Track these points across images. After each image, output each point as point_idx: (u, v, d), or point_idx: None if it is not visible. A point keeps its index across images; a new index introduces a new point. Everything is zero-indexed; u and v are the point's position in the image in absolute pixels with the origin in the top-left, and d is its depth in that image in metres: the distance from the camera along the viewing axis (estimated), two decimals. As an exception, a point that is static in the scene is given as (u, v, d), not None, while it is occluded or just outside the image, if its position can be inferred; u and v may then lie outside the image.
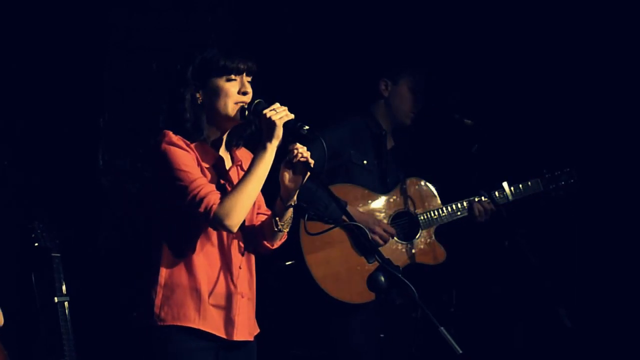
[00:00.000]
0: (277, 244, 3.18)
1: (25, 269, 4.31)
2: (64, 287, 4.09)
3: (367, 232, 3.78)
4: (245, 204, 2.93)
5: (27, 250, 4.14)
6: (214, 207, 2.90)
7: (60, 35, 4.58)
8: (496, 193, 4.30)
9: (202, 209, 2.90)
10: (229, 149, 3.16)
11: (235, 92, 3.03)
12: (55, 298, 4.07)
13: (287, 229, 3.12)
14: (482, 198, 4.28)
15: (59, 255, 4.12)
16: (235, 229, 2.95)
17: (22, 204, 4.42)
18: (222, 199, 2.92)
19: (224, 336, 3.04)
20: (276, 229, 3.08)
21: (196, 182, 2.93)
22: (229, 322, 3.06)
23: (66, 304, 4.08)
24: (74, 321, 4.09)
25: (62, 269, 4.11)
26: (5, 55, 4.48)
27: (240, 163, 3.15)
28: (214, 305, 3.03)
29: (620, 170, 4.65)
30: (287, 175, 3.01)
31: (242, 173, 3.10)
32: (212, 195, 2.92)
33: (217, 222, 2.91)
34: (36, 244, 4.09)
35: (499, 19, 4.82)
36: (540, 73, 4.82)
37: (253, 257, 3.18)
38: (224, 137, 3.13)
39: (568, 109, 4.77)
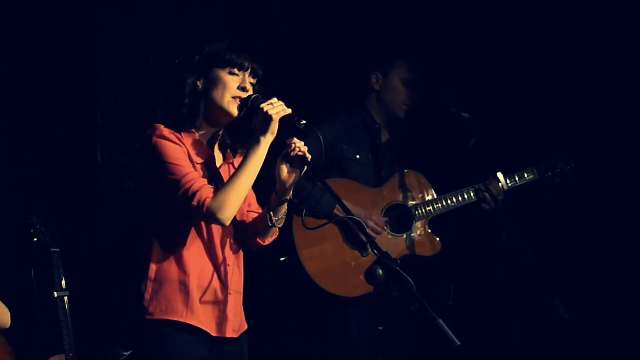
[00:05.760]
0: (269, 240, 3.20)
1: (25, 264, 4.32)
2: (63, 282, 4.11)
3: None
4: (238, 198, 2.95)
5: (27, 246, 4.15)
6: (207, 200, 2.91)
7: (55, 33, 4.60)
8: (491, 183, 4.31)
9: (195, 203, 2.91)
10: (223, 147, 3.17)
11: (235, 87, 3.05)
12: (55, 293, 4.08)
13: (282, 225, 3.14)
14: (480, 187, 4.29)
15: (58, 250, 4.13)
16: (228, 223, 2.96)
17: (22, 200, 4.43)
18: (214, 192, 2.93)
19: (212, 332, 3.06)
20: (271, 225, 3.10)
21: (188, 177, 2.94)
22: (217, 319, 3.08)
23: (66, 298, 4.09)
24: (74, 316, 4.10)
25: (61, 264, 4.12)
26: (2, 56, 4.49)
27: (232, 161, 3.16)
28: (202, 302, 3.04)
29: (616, 161, 4.66)
30: (284, 170, 3.02)
31: (225, 168, 3.13)
32: (205, 190, 2.93)
33: (210, 216, 2.93)
34: (35, 239, 4.10)
35: (491, 10, 4.82)
36: (535, 63, 4.82)
37: (242, 254, 3.19)
38: (219, 134, 3.14)
39: (563, 101, 4.78)
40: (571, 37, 4.73)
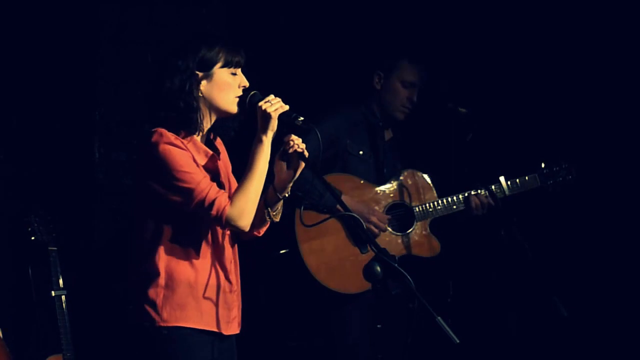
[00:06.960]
0: (263, 230, 3.19)
1: (22, 262, 4.31)
2: (60, 281, 4.09)
3: (363, 222, 3.78)
4: (255, 201, 2.96)
5: (24, 244, 4.14)
6: (226, 208, 2.91)
7: (54, 27, 4.58)
8: (493, 187, 4.29)
9: (214, 213, 2.91)
10: (208, 141, 3.16)
11: (237, 86, 3.05)
12: (52, 292, 4.07)
13: (278, 219, 3.12)
14: (480, 191, 4.28)
15: (55, 248, 4.12)
16: (247, 228, 2.97)
17: (19, 198, 4.42)
18: (231, 200, 2.93)
19: (223, 331, 3.07)
20: (268, 219, 3.09)
21: (202, 185, 2.93)
22: (225, 318, 3.07)
23: (63, 297, 4.08)
24: (71, 315, 4.09)
25: (58, 262, 4.11)
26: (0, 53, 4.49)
27: (218, 152, 3.15)
28: (213, 303, 3.04)
29: (615, 161, 4.65)
30: (282, 167, 3.01)
31: (220, 164, 3.12)
32: (221, 197, 2.92)
33: (229, 223, 2.93)
34: (32, 238, 4.09)
35: (494, 9, 4.81)
36: (537, 62, 4.81)
37: (237, 248, 3.19)
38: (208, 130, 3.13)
39: (565, 100, 4.77)
40: (575, 38, 4.72)
